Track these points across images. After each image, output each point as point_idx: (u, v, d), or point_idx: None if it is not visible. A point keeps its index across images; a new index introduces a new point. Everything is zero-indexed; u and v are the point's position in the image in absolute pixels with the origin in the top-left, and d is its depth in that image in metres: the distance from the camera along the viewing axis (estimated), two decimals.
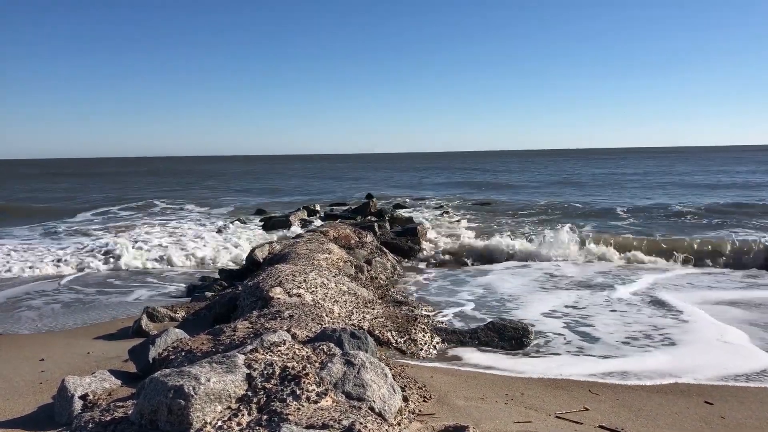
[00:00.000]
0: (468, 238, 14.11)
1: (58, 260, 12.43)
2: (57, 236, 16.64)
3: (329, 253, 9.36)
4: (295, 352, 3.66)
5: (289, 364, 3.36)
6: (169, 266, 12.43)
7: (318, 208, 22.10)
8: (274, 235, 15.68)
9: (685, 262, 11.46)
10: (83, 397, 3.98)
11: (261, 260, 9.97)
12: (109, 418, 3.18)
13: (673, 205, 21.31)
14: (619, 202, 23.58)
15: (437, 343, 6.17)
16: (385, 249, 11.94)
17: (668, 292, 8.82)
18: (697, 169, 49.59)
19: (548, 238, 12.58)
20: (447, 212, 21.04)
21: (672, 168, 53.64)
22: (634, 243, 12.67)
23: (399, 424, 3.37)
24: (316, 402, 3.03)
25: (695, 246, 12.17)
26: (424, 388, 4.51)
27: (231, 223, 18.67)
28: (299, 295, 6.30)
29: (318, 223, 17.16)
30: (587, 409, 4.44)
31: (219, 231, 16.49)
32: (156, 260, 12.64)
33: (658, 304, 8.16)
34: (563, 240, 12.41)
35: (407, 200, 26.57)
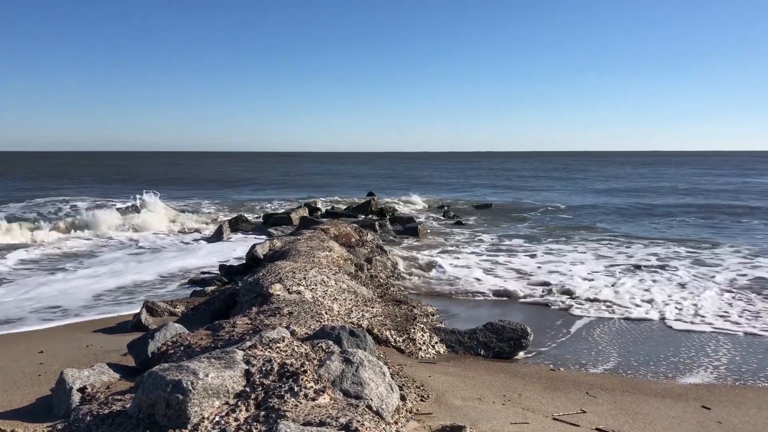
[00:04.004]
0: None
1: None
2: None
3: (330, 251, 9.36)
4: (293, 349, 3.67)
5: (287, 361, 3.37)
6: None
7: (320, 205, 22.12)
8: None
9: None
10: (82, 390, 3.99)
11: (261, 257, 9.97)
12: (107, 411, 3.19)
13: None
14: None
15: (436, 342, 6.17)
16: (385, 248, 11.95)
17: None
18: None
19: None
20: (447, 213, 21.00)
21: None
22: None
23: (396, 423, 3.37)
24: (313, 399, 3.03)
25: None
26: (422, 388, 4.51)
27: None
28: (299, 292, 6.30)
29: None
30: (584, 412, 4.44)
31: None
32: None
33: None
34: None
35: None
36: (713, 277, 10.25)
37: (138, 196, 21.38)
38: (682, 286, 9.52)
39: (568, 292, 9.00)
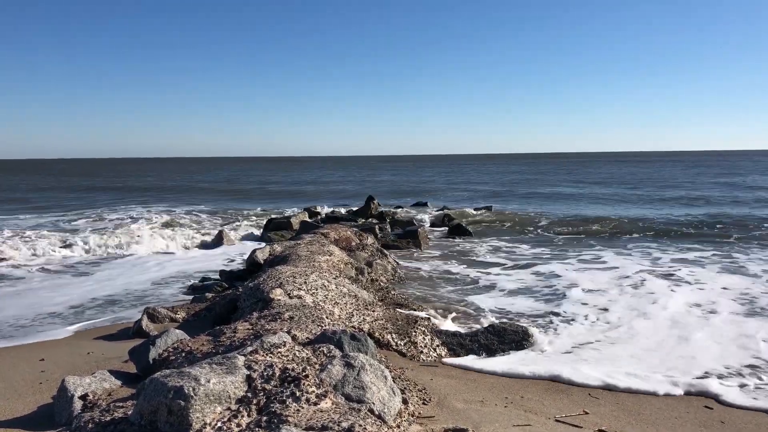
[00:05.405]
0: None
1: None
2: None
3: (330, 255, 9.36)
4: (295, 354, 3.67)
5: (289, 366, 3.37)
6: None
7: (320, 209, 22.14)
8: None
9: None
10: (83, 398, 3.99)
11: (261, 261, 9.97)
12: (108, 418, 3.18)
13: None
14: None
15: (437, 345, 6.16)
16: (385, 251, 11.94)
17: None
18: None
19: None
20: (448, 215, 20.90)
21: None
22: None
23: (398, 427, 3.37)
24: (315, 404, 3.03)
25: None
26: (423, 391, 4.51)
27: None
28: (300, 297, 6.30)
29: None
30: (587, 413, 4.44)
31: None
32: None
33: None
34: None
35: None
36: None
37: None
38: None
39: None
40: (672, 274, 10.34)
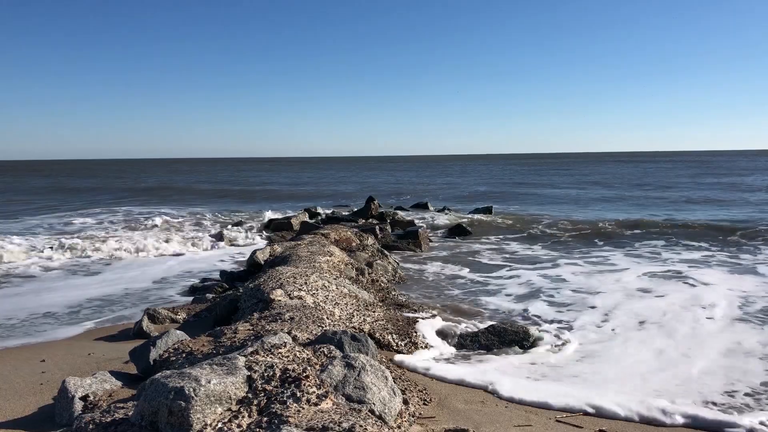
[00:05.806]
0: None
1: None
2: None
3: (330, 256, 9.36)
4: (295, 354, 3.67)
5: (289, 366, 3.37)
6: None
7: (320, 210, 22.13)
8: None
9: None
10: (84, 398, 3.99)
11: (262, 262, 9.98)
12: (109, 419, 3.18)
13: None
14: None
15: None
16: (386, 252, 11.93)
17: None
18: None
19: None
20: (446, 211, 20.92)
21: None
22: None
23: (399, 427, 3.37)
24: (316, 404, 3.03)
25: None
26: (424, 391, 4.51)
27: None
28: (300, 298, 6.30)
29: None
30: (587, 413, 4.43)
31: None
32: None
33: None
34: None
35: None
36: None
37: None
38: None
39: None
40: (681, 276, 10.19)
